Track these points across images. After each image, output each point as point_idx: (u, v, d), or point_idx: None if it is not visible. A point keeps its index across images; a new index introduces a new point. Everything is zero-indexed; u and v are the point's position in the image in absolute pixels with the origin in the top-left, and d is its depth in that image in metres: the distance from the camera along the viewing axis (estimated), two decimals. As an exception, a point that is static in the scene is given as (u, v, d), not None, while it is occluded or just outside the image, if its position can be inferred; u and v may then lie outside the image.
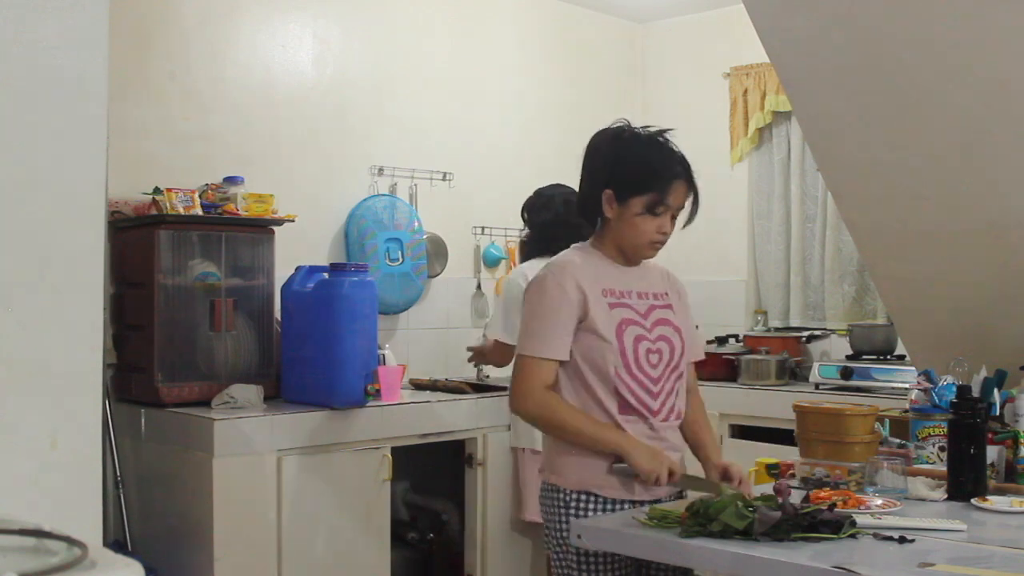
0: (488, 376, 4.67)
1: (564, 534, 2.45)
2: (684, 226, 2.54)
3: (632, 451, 2.41)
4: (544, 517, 2.56)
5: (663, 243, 2.51)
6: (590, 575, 2.45)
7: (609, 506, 2.47)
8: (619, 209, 2.48)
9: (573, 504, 2.47)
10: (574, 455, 2.47)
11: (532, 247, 4.13)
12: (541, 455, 4.06)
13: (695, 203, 2.51)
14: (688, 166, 2.50)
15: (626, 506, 2.46)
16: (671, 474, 2.40)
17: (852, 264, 5.15)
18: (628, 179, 2.46)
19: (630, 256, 2.54)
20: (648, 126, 2.56)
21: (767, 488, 2.47)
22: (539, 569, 4.31)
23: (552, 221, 4.07)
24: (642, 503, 2.45)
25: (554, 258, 2.59)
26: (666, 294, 2.59)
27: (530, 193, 4.24)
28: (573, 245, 2.62)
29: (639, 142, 2.51)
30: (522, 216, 4.23)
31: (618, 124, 2.57)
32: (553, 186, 4.19)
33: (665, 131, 2.54)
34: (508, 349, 4.11)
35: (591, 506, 2.47)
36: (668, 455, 2.44)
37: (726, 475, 2.50)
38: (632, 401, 2.46)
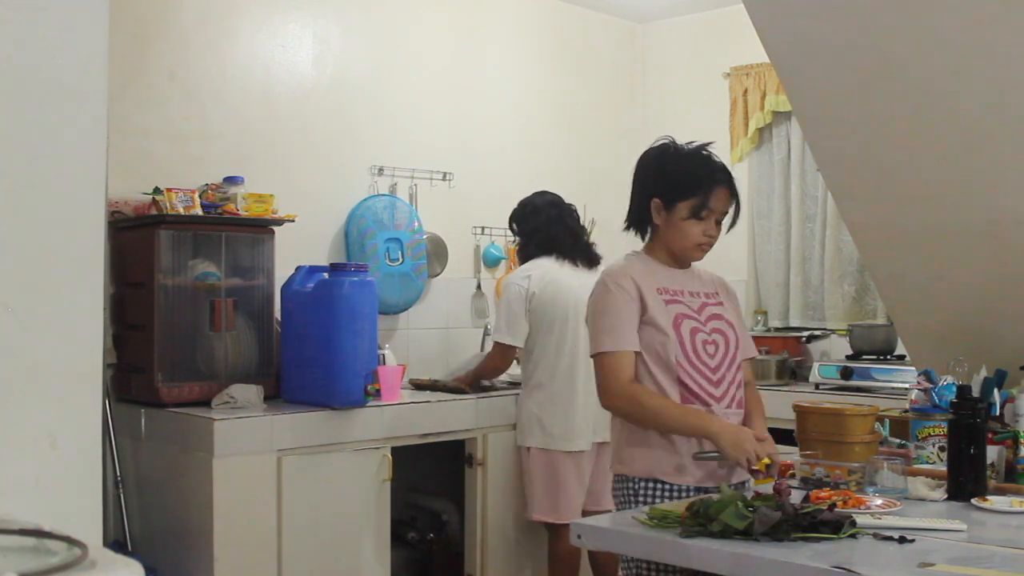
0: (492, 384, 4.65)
1: None
2: (728, 230, 2.76)
3: (720, 433, 2.51)
4: (616, 507, 2.70)
5: (710, 245, 2.71)
6: (659, 570, 2.51)
7: (676, 493, 2.59)
8: (667, 215, 2.68)
9: (641, 492, 2.61)
10: (641, 446, 2.62)
11: (531, 250, 4.17)
12: (547, 453, 4.08)
13: (737, 208, 2.74)
14: (729, 174, 2.72)
15: (691, 492, 2.56)
16: (757, 456, 2.47)
17: (852, 264, 5.15)
18: (674, 187, 2.67)
19: (679, 259, 2.74)
20: (691, 142, 2.76)
21: (767, 488, 2.47)
22: (540, 569, 4.31)
23: (545, 223, 4.13)
24: (706, 489, 2.55)
25: (610, 265, 2.79)
26: (716, 293, 2.80)
27: (527, 195, 4.27)
28: (627, 253, 2.80)
29: (683, 154, 2.72)
30: (510, 227, 4.28)
31: (663, 141, 2.78)
32: (537, 194, 4.26)
33: (707, 144, 2.75)
34: (508, 351, 4.14)
35: (658, 493, 2.60)
36: (752, 438, 2.52)
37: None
38: (694, 387, 2.62)
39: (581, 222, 4.31)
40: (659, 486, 2.60)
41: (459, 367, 4.74)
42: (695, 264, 2.79)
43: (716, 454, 2.51)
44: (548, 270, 4.10)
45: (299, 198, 4.28)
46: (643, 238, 2.79)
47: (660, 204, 2.67)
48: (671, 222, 2.67)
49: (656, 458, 2.60)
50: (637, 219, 2.76)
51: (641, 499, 2.60)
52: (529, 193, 4.31)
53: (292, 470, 3.57)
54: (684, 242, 2.67)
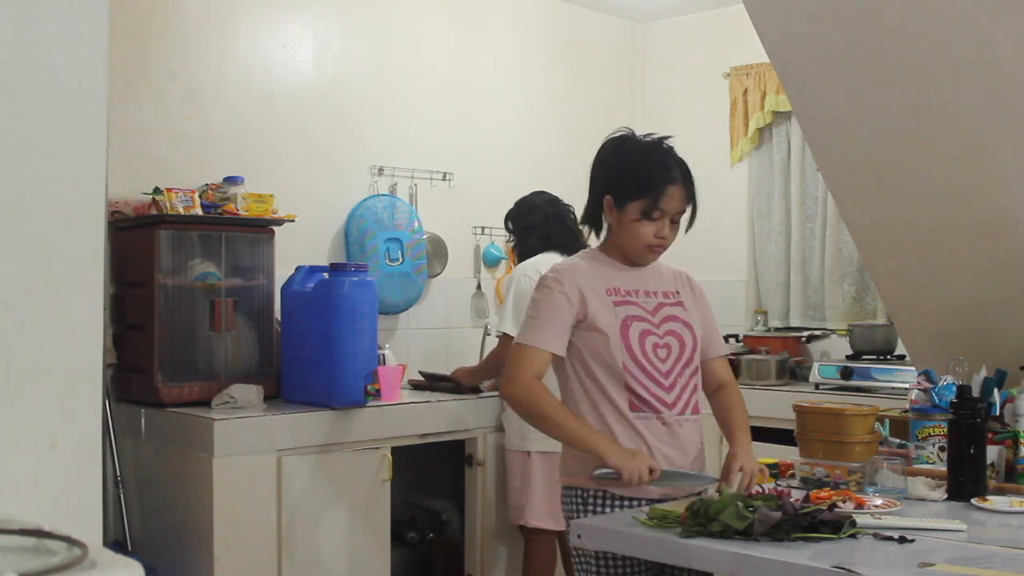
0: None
1: None
2: (686, 231, 2.62)
3: (609, 452, 2.42)
4: (566, 518, 2.60)
5: (663, 247, 2.58)
6: (609, 564, 2.45)
7: (627, 503, 2.50)
8: (618, 215, 2.57)
9: (591, 501, 2.53)
10: (587, 456, 2.49)
11: (530, 245, 4.14)
12: (550, 457, 4.00)
13: (694, 208, 2.58)
14: (687, 171, 2.56)
15: (643, 503, 2.47)
16: (651, 471, 2.39)
17: (852, 264, 5.15)
18: (625, 185, 2.55)
19: (633, 260, 2.62)
20: (651, 134, 2.61)
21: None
22: (540, 570, 4.31)
23: (542, 221, 4.11)
24: (659, 501, 2.46)
25: (561, 261, 2.73)
26: (677, 292, 2.66)
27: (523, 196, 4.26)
28: (581, 251, 2.72)
29: (637, 148, 2.59)
30: (506, 226, 4.27)
31: (620, 132, 2.63)
32: (535, 193, 4.25)
33: (665, 138, 2.59)
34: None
35: (607, 503, 2.51)
36: (645, 454, 2.43)
37: (728, 469, 2.48)
38: (643, 394, 2.51)
39: (578, 222, 4.29)
40: (609, 496, 2.50)
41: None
42: (658, 263, 2.66)
43: (614, 473, 2.41)
44: (547, 263, 4.05)
45: (299, 198, 4.28)
46: (598, 235, 2.69)
47: (611, 202, 2.56)
48: (622, 222, 2.55)
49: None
50: (592, 216, 2.65)
51: (591, 509, 2.51)
52: (527, 193, 4.30)
53: (292, 470, 3.57)
54: (635, 243, 2.55)
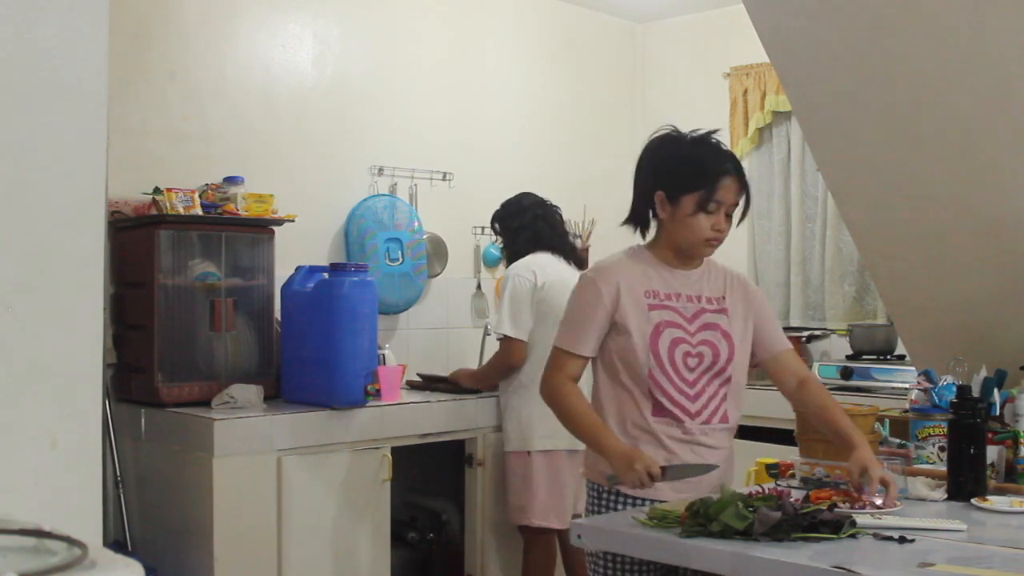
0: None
1: None
2: (738, 224, 2.56)
3: (611, 459, 2.40)
4: (587, 511, 2.62)
5: (719, 240, 2.53)
6: (626, 568, 2.46)
7: (638, 502, 2.49)
8: (672, 209, 2.51)
9: (605, 498, 2.55)
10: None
11: (519, 246, 4.12)
12: (550, 455, 3.98)
13: (747, 200, 2.55)
14: (738, 163, 2.54)
15: (653, 503, 2.43)
16: (652, 476, 2.34)
17: (852, 264, 5.15)
18: (678, 178, 2.49)
19: (688, 256, 2.57)
20: (696, 129, 2.59)
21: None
22: (540, 569, 4.30)
23: (531, 221, 4.11)
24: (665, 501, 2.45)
25: (604, 258, 2.65)
26: (723, 298, 2.59)
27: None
28: (628, 246, 2.65)
29: (687, 142, 2.56)
30: (492, 227, 4.26)
31: (666, 129, 2.61)
32: (520, 195, 4.24)
33: (713, 132, 2.58)
34: (518, 345, 4.04)
35: (619, 500, 2.52)
36: (644, 456, 2.38)
37: (864, 478, 2.37)
38: (666, 403, 2.49)
39: (565, 223, 4.28)
40: (621, 497, 2.51)
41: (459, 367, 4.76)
42: (713, 262, 2.62)
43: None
44: (551, 265, 4.04)
45: (299, 198, 4.28)
46: (643, 235, 2.63)
47: (664, 197, 2.50)
48: (676, 217, 2.49)
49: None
50: (639, 214, 2.58)
51: (605, 506, 2.54)
52: (515, 195, 4.30)
53: (292, 470, 3.57)
54: (692, 237, 2.49)
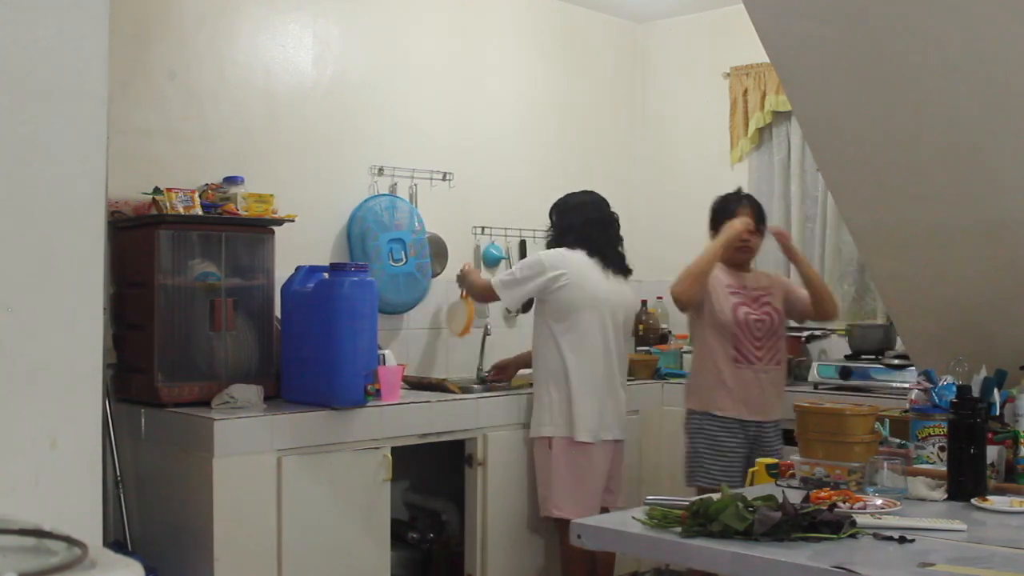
0: (488, 372, 4.69)
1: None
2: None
3: (722, 235, 4.01)
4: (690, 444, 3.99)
5: (749, 247, 4.02)
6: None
7: (719, 424, 3.97)
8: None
9: (695, 424, 4.01)
10: (696, 381, 4.08)
11: (564, 241, 4.16)
12: (570, 444, 4.08)
13: (762, 221, 4.11)
14: (754, 202, 4.16)
15: (735, 424, 3.94)
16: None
17: (852, 264, 5.15)
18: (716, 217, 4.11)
19: (735, 263, 4.03)
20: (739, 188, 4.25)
21: (767, 488, 2.46)
22: (540, 569, 4.31)
23: (582, 224, 4.13)
24: (757, 424, 3.94)
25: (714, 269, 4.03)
26: (768, 288, 4.06)
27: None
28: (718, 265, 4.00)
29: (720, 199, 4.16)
30: (550, 217, 4.28)
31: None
32: (582, 192, 4.26)
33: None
34: (493, 297, 4.30)
35: (707, 422, 3.98)
36: (735, 221, 4.01)
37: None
38: (742, 349, 3.95)
39: (619, 231, 4.31)
40: (711, 418, 3.95)
41: (461, 368, 4.75)
42: (759, 269, 4.17)
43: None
44: (580, 261, 4.11)
45: (299, 198, 4.27)
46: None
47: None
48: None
49: (704, 389, 4.01)
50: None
51: (696, 427, 4.00)
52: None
53: (292, 470, 3.57)
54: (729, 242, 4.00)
